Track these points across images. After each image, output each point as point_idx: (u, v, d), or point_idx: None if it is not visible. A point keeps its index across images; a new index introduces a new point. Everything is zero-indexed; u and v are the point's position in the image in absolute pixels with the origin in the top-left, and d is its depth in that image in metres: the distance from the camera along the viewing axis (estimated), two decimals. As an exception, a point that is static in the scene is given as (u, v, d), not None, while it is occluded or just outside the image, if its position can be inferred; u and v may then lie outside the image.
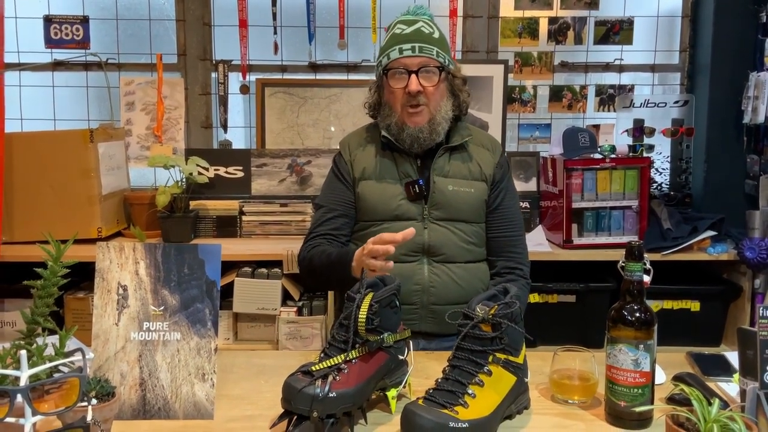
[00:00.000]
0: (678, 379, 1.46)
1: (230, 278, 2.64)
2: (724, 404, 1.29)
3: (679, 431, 1.07)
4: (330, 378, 1.24)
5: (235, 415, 1.36)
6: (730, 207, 2.91)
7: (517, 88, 3.22)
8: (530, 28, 3.20)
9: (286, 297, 2.70)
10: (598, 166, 2.77)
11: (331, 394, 1.21)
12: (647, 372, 1.28)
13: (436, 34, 1.87)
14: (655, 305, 2.71)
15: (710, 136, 3.09)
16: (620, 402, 1.29)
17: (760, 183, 2.83)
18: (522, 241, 1.97)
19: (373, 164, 1.92)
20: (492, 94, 3.09)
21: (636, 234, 2.78)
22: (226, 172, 3.06)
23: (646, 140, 3.20)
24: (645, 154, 3.07)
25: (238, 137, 3.28)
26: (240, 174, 3.06)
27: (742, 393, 1.24)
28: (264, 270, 2.66)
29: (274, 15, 3.15)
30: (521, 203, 2.77)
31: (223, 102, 3.20)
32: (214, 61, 3.22)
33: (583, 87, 3.25)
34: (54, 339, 1.23)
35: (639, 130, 3.20)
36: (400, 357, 1.40)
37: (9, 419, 1.01)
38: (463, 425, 1.18)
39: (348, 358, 1.28)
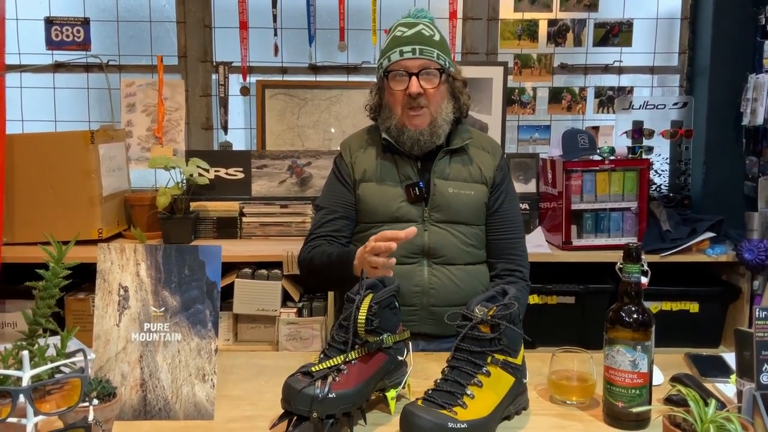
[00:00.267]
0: (676, 380, 1.47)
1: (230, 279, 2.64)
2: (722, 405, 1.30)
3: (676, 431, 1.08)
4: (329, 379, 1.24)
5: (236, 415, 1.37)
6: (729, 208, 2.92)
7: (517, 90, 3.23)
8: (530, 30, 3.21)
9: (286, 298, 2.71)
10: (597, 168, 2.78)
11: (330, 395, 1.22)
12: (645, 373, 1.28)
13: (437, 37, 1.88)
14: (654, 306, 2.72)
15: (709, 138, 3.09)
16: (618, 403, 1.30)
17: (758, 185, 2.83)
18: (522, 243, 1.98)
19: (374, 166, 1.93)
20: (491, 95, 3.10)
21: (635, 235, 2.78)
22: (227, 174, 3.07)
23: (646, 142, 3.21)
24: (644, 156, 3.07)
25: (238, 139, 3.28)
26: (240, 175, 3.07)
27: (739, 394, 1.24)
28: (264, 271, 2.67)
29: (275, 17, 3.16)
30: (521, 205, 2.78)
31: (224, 104, 3.21)
32: (214, 63, 3.23)
33: (583, 89, 3.26)
34: (55, 340, 1.23)
35: (638, 131, 3.21)
36: (400, 358, 1.40)
37: (11, 419, 1.01)
38: (462, 426, 1.19)
39: (347, 359, 1.29)
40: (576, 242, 2.77)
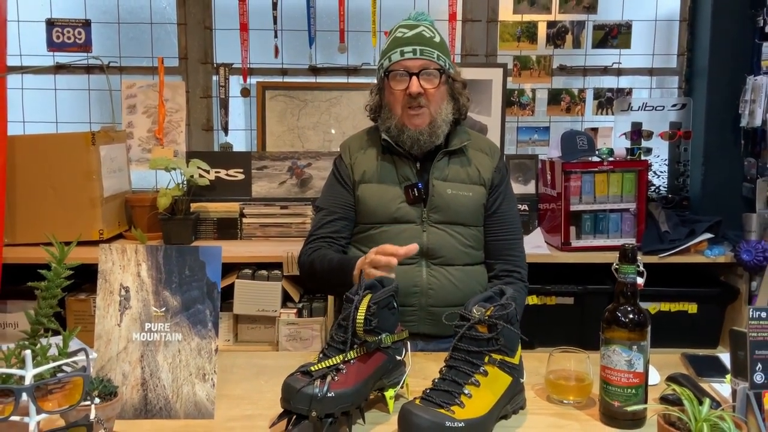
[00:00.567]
0: (671, 379, 1.48)
1: (231, 280, 2.65)
2: (717, 404, 1.31)
3: (671, 430, 1.09)
4: (328, 378, 1.25)
5: (235, 414, 1.38)
6: (728, 210, 2.93)
7: (516, 92, 3.24)
8: (529, 32, 3.22)
9: (286, 299, 2.72)
10: (596, 169, 2.79)
11: (329, 394, 1.23)
12: (640, 373, 1.30)
13: (437, 39, 1.90)
14: (652, 307, 2.73)
15: (708, 140, 3.10)
16: (614, 402, 1.31)
17: (757, 186, 2.84)
18: (520, 244, 1.99)
19: (373, 167, 1.94)
20: (491, 97, 3.11)
21: (634, 236, 2.79)
22: (227, 175, 3.08)
23: (644, 143, 3.21)
24: (643, 157, 3.08)
25: (238, 140, 3.30)
26: (240, 176, 3.08)
27: (734, 393, 1.26)
28: (264, 272, 2.68)
29: (275, 19, 3.17)
30: (520, 206, 2.79)
31: (224, 105, 3.23)
32: (215, 65, 3.24)
33: (582, 90, 3.27)
34: (57, 339, 1.24)
35: (637, 133, 3.22)
36: (398, 358, 1.41)
37: (14, 417, 1.03)
38: (459, 424, 1.20)
39: (346, 359, 1.30)
40: (575, 243, 2.78)
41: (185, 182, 2.84)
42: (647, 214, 2.83)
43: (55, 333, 1.27)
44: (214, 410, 1.36)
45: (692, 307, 2.76)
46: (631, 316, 1.30)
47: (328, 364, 1.28)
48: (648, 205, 2.85)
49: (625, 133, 3.23)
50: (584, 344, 1.60)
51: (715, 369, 1.60)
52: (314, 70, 3.25)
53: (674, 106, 3.23)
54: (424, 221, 1.89)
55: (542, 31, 3.23)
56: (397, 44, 1.87)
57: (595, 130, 3.22)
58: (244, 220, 2.97)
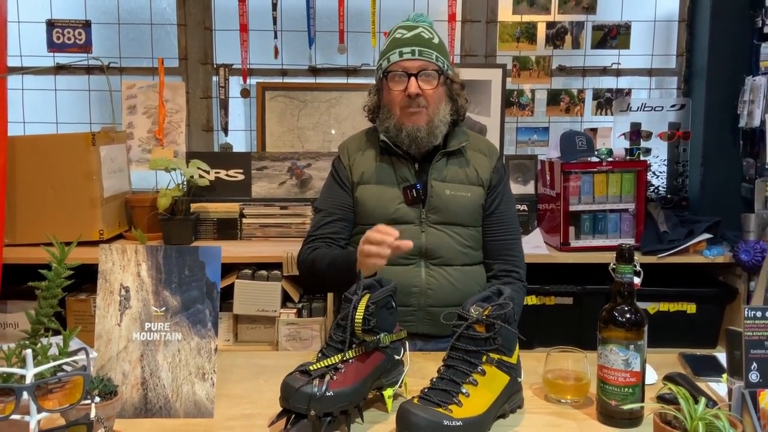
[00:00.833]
0: (668, 379, 1.49)
1: (230, 280, 2.66)
2: (713, 403, 1.32)
3: (667, 429, 1.10)
4: (327, 377, 1.26)
5: (235, 413, 1.39)
6: (726, 210, 2.93)
7: (515, 92, 3.24)
8: (528, 33, 3.23)
9: (286, 299, 2.73)
10: (595, 170, 2.79)
11: (328, 393, 1.24)
12: (637, 372, 1.30)
13: (436, 40, 1.91)
14: (651, 307, 2.74)
15: (707, 140, 3.11)
16: (611, 401, 1.32)
17: (755, 186, 2.85)
18: (518, 244, 2.00)
19: (372, 168, 1.95)
20: (490, 97, 3.11)
21: (633, 237, 2.80)
22: (227, 175, 3.09)
23: (643, 144, 3.22)
24: (642, 158, 3.08)
25: (238, 140, 3.30)
26: (240, 177, 3.09)
27: (730, 392, 1.26)
28: (264, 272, 2.68)
29: (275, 19, 3.18)
30: (519, 206, 2.80)
31: (224, 105, 3.23)
32: (215, 65, 3.25)
33: (581, 91, 3.28)
34: (58, 339, 1.25)
35: (636, 133, 3.22)
36: (397, 357, 1.42)
37: (15, 416, 1.03)
38: (457, 423, 1.21)
39: (345, 358, 1.31)
40: (574, 243, 2.79)
41: (185, 183, 2.84)
42: (646, 215, 2.84)
43: (56, 333, 1.28)
44: (213, 409, 1.37)
45: (691, 307, 2.77)
46: (628, 315, 1.31)
47: (326, 364, 1.29)
48: (647, 206, 2.86)
49: (624, 134, 3.23)
50: (583, 344, 1.60)
51: (712, 368, 1.61)
52: (314, 71, 3.26)
53: (673, 106, 3.24)
54: (423, 222, 1.90)
55: (541, 32, 3.24)
56: (396, 45, 1.87)
57: (594, 130, 3.23)
58: (244, 220, 2.98)
